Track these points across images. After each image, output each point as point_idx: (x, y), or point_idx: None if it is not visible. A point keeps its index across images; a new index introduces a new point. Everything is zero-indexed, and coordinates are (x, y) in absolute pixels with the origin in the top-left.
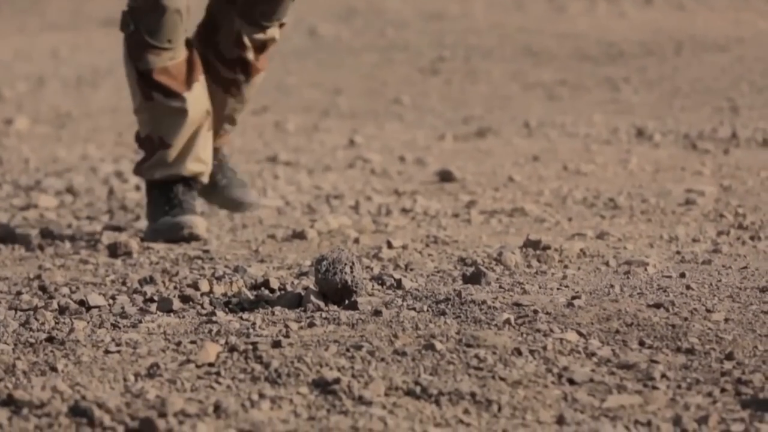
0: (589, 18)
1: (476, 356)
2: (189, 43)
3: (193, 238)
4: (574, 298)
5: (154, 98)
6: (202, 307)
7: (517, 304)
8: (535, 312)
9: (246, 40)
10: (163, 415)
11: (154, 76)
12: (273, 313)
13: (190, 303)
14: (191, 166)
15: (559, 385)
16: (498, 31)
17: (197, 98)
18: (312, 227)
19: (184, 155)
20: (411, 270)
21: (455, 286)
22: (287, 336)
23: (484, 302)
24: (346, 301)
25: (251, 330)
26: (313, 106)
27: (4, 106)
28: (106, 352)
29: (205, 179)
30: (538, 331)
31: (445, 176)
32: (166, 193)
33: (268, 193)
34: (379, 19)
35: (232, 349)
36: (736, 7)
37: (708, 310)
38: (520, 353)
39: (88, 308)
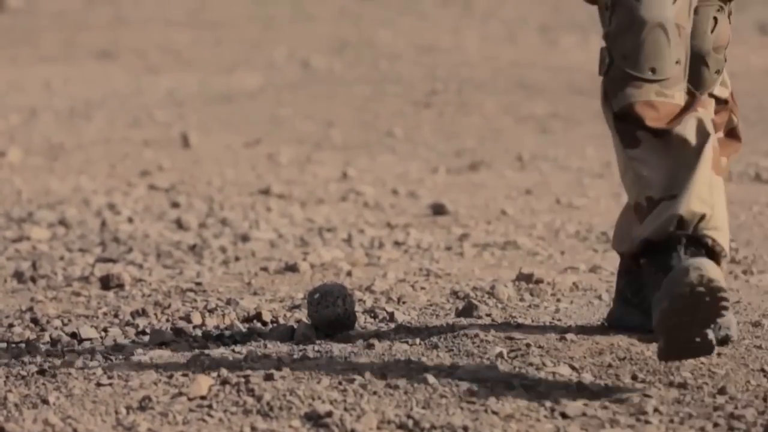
0: (581, 51)
1: (469, 390)
2: (693, 95)
3: (713, 287)
4: (566, 331)
5: (640, 141)
6: (195, 340)
7: (510, 338)
8: (528, 345)
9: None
10: None
11: (636, 110)
12: (265, 346)
13: (183, 335)
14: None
15: (552, 419)
16: (490, 64)
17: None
18: (305, 260)
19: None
20: (403, 303)
21: (448, 319)
22: (279, 369)
23: (476, 335)
24: (339, 334)
25: (243, 363)
26: (305, 138)
27: None
28: (98, 384)
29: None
30: (531, 364)
31: (438, 209)
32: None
33: (261, 225)
34: (371, 51)
35: (224, 382)
36: None
37: None
38: (512, 387)
39: (80, 341)
